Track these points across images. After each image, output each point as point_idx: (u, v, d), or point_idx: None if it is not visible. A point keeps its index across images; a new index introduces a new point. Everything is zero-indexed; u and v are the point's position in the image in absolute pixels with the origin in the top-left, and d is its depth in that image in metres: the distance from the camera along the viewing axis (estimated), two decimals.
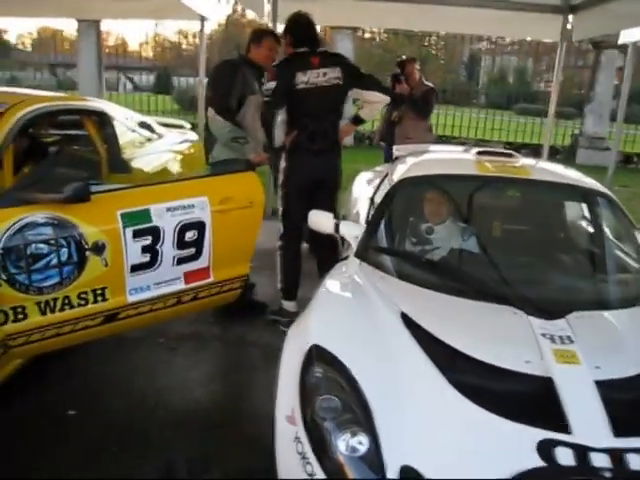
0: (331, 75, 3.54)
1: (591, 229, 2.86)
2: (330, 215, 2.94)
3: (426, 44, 25.57)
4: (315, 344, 1.91)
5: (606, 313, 2.30)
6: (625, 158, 11.93)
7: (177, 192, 2.99)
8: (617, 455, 1.61)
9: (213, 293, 3.20)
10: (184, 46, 19.46)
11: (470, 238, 2.78)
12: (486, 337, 2.10)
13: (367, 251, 2.67)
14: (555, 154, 11.45)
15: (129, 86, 20.29)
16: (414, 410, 1.75)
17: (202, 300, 3.17)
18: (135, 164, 3.95)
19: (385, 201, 2.89)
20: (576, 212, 3.12)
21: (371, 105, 3.77)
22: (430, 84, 5.86)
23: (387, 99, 3.80)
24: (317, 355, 1.88)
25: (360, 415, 1.70)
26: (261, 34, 3.75)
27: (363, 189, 4.20)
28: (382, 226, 2.79)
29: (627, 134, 12.42)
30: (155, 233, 2.84)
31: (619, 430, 1.68)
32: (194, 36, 16.93)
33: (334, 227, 2.85)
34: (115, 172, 3.69)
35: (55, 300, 2.65)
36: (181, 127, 5.16)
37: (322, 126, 3.59)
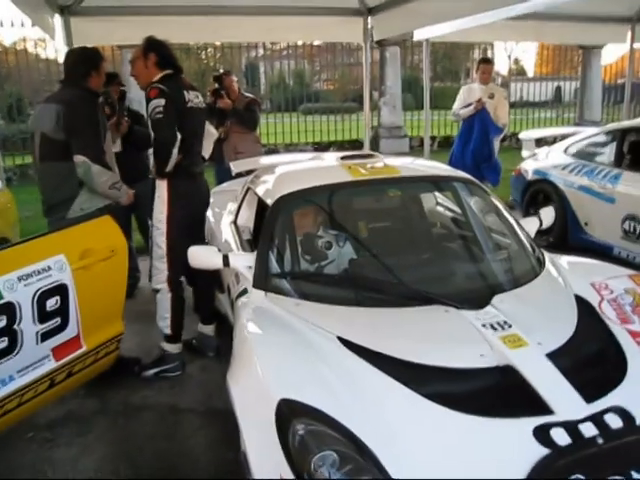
0: (201, 99, 3.37)
1: (469, 214, 2.97)
2: (214, 249, 2.68)
3: (203, 57, 25.50)
4: (283, 398, 1.72)
5: (519, 290, 2.40)
6: (420, 142, 13.00)
7: (27, 255, 2.46)
8: (598, 420, 1.71)
9: (89, 363, 2.73)
10: None
11: (363, 244, 2.75)
12: (432, 341, 2.09)
13: (267, 280, 2.49)
14: (360, 147, 12.09)
15: None
16: (407, 437, 1.67)
17: (78, 375, 2.69)
18: None
19: (269, 223, 2.70)
20: (449, 200, 3.23)
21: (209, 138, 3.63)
22: (251, 95, 5.73)
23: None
24: (290, 410, 1.69)
25: (365, 461, 1.56)
26: (98, 57, 3.35)
27: (218, 213, 3.93)
28: (273, 250, 2.60)
29: (415, 120, 13.58)
30: (10, 311, 2.31)
31: (587, 396, 1.79)
32: None
33: (223, 261, 2.59)
34: None
35: None
36: None
37: (200, 149, 3.40)
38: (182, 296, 3.42)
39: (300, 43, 14.45)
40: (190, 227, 3.35)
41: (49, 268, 2.47)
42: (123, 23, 5.25)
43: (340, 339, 2.05)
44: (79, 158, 3.05)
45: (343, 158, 3.11)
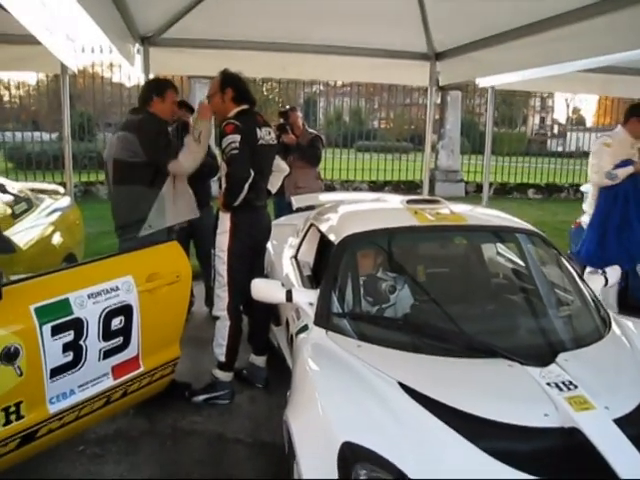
0: (272, 135, 3.44)
1: (533, 267, 2.92)
2: (278, 283, 2.70)
3: (264, 90, 26.16)
4: (346, 441, 1.72)
5: (584, 350, 2.33)
6: (477, 187, 12.91)
7: (98, 274, 2.54)
8: None
9: (144, 384, 2.77)
10: (6, 98, 17.84)
11: (426, 290, 2.73)
12: (496, 396, 2.04)
13: (329, 318, 2.49)
14: (416, 188, 12.07)
15: None
16: None
17: (133, 395, 2.73)
18: (16, 240, 3.37)
19: (333, 261, 2.71)
20: (512, 252, 3.19)
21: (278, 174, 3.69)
22: (314, 131, 5.82)
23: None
24: (353, 454, 1.70)
25: None
26: (164, 86, 3.41)
27: (278, 246, 3.97)
28: (336, 289, 2.61)
29: (471, 164, 13.51)
30: (77, 326, 2.38)
31: None
32: (17, 87, 15.55)
33: (286, 296, 2.60)
34: None
35: None
36: (55, 192, 4.56)
37: (265, 185, 3.47)
38: (240, 325, 3.46)
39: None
40: (251, 258, 3.39)
41: (117, 288, 2.53)
42: (197, 55, 5.44)
43: (401, 385, 2.04)
44: (173, 163, 3.21)
45: (409, 202, 3.11)
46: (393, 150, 14.05)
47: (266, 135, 3.37)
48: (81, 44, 10.57)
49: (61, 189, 4.72)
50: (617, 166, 4.14)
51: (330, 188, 11.33)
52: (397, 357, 2.22)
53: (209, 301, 4.53)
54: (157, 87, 3.39)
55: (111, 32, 4.10)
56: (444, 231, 2.90)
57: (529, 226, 3.04)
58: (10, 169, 13.32)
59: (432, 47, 5.77)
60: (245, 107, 3.34)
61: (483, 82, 6.17)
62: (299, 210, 4.55)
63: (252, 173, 3.15)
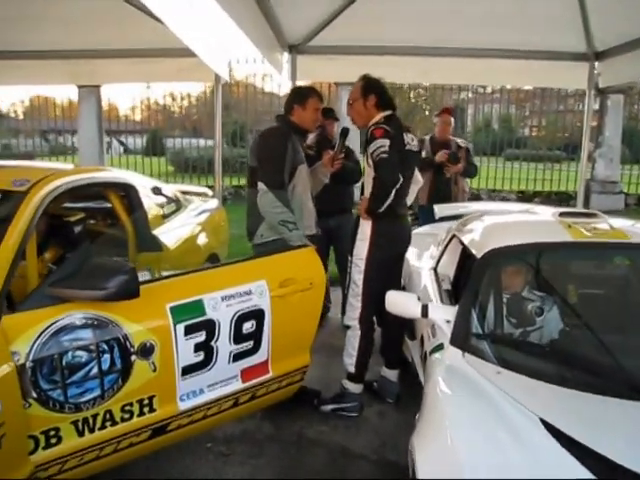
0: (416, 142, 3.37)
1: None
2: (414, 296, 2.54)
3: (412, 96, 25.93)
4: None
5: None
6: (638, 200, 11.69)
7: (232, 277, 2.57)
8: None
9: (272, 390, 2.75)
10: (172, 108, 19.49)
11: (579, 314, 2.42)
12: None
13: (467, 339, 2.28)
14: (568, 200, 11.23)
15: (120, 149, 20.12)
16: None
17: (260, 399, 2.72)
18: (163, 239, 3.53)
19: (474, 277, 2.50)
20: None
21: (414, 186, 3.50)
22: (462, 142, 5.51)
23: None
24: None
25: None
26: (305, 94, 3.36)
27: (418, 256, 3.80)
28: (476, 307, 2.39)
29: (636, 175, 12.27)
30: (209, 327, 2.42)
31: None
32: (182, 98, 16.83)
33: (421, 311, 2.44)
34: (145, 250, 3.26)
35: (95, 417, 2.19)
36: (204, 195, 4.77)
37: (408, 191, 3.37)
38: (372, 336, 3.36)
39: (509, 87, 13.96)
40: (389, 268, 3.28)
41: (250, 292, 2.53)
42: (342, 62, 5.46)
43: (544, 423, 1.78)
44: (260, 185, 3.08)
45: (562, 215, 2.80)
46: (544, 159, 13.21)
47: (411, 141, 3.28)
48: (237, 56, 11.28)
49: (209, 192, 4.92)
50: None
51: (476, 197, 10.86)
52: (541, 389, 1.96)
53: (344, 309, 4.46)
54: (299, 95, 3.37)
55: (260, 42, 4.23)
56: (602, 249, 2.57)
57: None
58: (170, 172, 14.46)
59: (592, 46, 5.29)
60: (390, 112, 3.25)
61: None
62: (442, 219, 4.35)
63: (401, 179, 3.05)
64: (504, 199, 12.04)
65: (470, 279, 2.49)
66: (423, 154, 5.10)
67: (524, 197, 12.22)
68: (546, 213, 3.05)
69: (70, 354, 2.09)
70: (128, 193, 3.30)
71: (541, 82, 7.28)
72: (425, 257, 3.73)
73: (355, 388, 3.34)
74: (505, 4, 4.39)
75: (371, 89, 3.23)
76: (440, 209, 4.37)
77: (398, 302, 2.53)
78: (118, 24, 4.95)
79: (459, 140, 5.42)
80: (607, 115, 11.94)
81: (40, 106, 14.13)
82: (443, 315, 2.42)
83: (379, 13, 4.65)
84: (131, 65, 5.51)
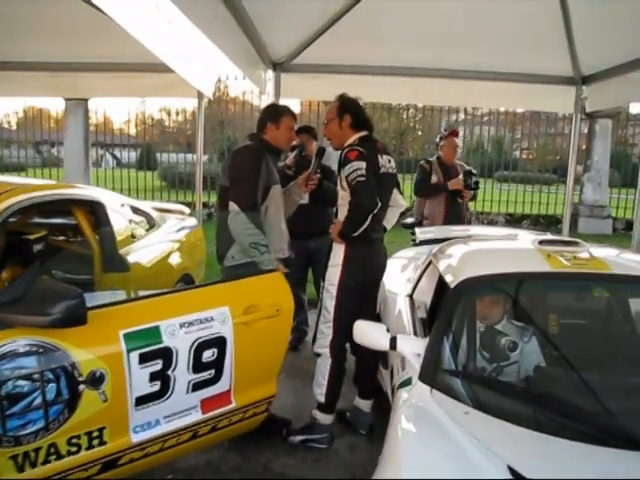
0: (392, 163, 3.25)
1: None
2: (383, 327, 2.42)
3: (404, 117, 26.01)
4: None
5: None
6: (627, 225, 11.61)
7: (193, 302, 2.44)
8: None
9: (235, 421, 2.61)
10: (167, 123, 19.56)
11: (555, 349, 2.31)
12: None
13: (436, 375, 2.15)
14: (557, 223, 11.15)
15: (112, 163, 20.07)
16: None
17: (222, 431, 2.58)
18: (132, 259, 3.41)
19: (447, 308, 2.38)
20: None
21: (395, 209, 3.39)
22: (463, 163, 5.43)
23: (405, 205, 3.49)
24: None
25: None
26: (279, 112, 3.26)
27: (395, 281, 3.68)
28: (448, 340, 2.27)
29: (624, 199, 12.21)
30: (166, 356, 2.28)
31: None
32: (177, 113, 16.84)
33: (390, 343, 2.32)
34: (110, 270, 3.15)
35: (37, 451, 2.06)
36: (180, 213, 4.65)
37: (383, 216, 3.25)
38: (343, 365, 3.22)
39: (502, 110, 14.05)
40: (362, 294, 3.16)
41: (212, 319, 2.41)
42: (327, 80, 5.36)
43: (511, 471, 1.63)
44: (232, 205, 2.94)
45: (542, 243, 2.69)
46: (533, 181, 13.22)
47: (387, 163, 3.17)
48: (227, 73, 11.23)
49: (186, 209, 4.80)
50: None
51: None
52: (511, 433, 1.82)
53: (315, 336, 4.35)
54: (272, 113, 3.27)
55: (239, 60, 4.14)
56: (581, 280, 2.45)
57: None
58: (160, 187, 14.36)
59: (578, 70, 5.25)
60: (365, 133, 3.16)
61: (637, 108, 5.50)
62: (422, 243, 4.25)
63: (379, 204, 2.95)
64: (492, 222, 11.98)
65: (442, 310, 2.38)
66: (434, 178, 5.04)
67: (512, 219, 12.17)
68: (526, 240, 2.95)
69: (10, 384, 1.96)
70: (95, 210, 3.19)
71: (529, 105, 7.28)
72: (402, 282, 3.60)
73: (325, 419, 3.20)
74: (492, 27, 4.34)
75: (346, 109, 3.14)
76: (421, 232, 4.27)
77: (366, 333, 2.42)
78: (102, 38, 4.86)
79: (462, 162, 5.39)
80: (595, 139, 11.97)
81: (34, 117, 14.05)
82: (413, 348, 2.29)
83: (364, 32, 4.58)
84: (114, 79, 5.42)
